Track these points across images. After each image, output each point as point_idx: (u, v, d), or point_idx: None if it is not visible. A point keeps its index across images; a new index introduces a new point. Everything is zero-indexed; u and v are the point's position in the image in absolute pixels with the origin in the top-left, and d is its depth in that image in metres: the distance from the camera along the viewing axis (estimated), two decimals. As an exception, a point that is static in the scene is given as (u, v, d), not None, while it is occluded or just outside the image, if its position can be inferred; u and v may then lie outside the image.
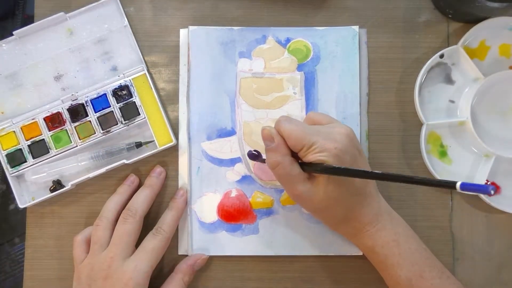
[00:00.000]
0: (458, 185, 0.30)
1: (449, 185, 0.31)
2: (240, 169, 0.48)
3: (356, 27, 0.49)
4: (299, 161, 0.41)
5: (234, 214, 0.48)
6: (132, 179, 0.48)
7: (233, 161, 0.48)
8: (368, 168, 0.43)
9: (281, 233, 0.48)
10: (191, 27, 0.49)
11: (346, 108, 0.49)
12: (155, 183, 0.47)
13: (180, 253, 0.48)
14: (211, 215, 0.48)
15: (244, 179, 0.48)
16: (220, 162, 0.48)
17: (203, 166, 0.48)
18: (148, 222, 0.47)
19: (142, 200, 0.45)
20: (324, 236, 0.47)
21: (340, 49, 0.49)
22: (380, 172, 0.37)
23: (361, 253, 0.47)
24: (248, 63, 0.49)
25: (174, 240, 0.47)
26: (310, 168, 0.40)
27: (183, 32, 0.50)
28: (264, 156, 0.45)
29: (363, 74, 0.49)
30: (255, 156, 0.45)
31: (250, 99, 0.49)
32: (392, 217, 0.43)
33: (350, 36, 0.49)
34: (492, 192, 0.30)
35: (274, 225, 0.48)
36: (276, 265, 0.48)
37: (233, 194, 0.48)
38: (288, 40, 0.50)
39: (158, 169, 0.48)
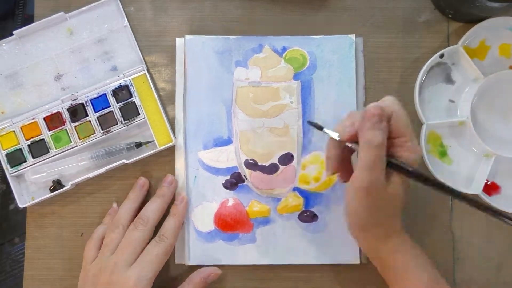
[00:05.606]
0: None
1: None
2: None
3: (352, 36, 0.49)
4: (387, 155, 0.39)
5: (231, 223, 0.48)
6: (142, 182, 0.48)
7: (229, 170, 0.48)
8: None
9: (278, 242, 0.47)
10: (187, 36, 0.49)
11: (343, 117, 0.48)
12: (166, 193, 0.47)
13: (177, 262, 0.47)
14: (208, 224, 0.48)
15: (241, 188, 0.48)
16: (216, 171, 0.48)
17: (199, 175, 0.48)
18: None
19: (153, 210, 0.45)
20: (321, 245, 0.47)
21: (337, 58, 0.49)
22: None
23: (358, 262, 0.47)
24: (245, 72, 0.49)
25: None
26: (396, 167, 0.39)
27: (179, 41, 0.50)
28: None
29: (360, 83, 0.49)
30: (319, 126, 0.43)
31: (246, 108, 0.49)
32: (412, 239, 0.42)
33: (346, 45, 0.49)
34: None
35: (271, 234, 0.48)
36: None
37: (230, 203, 0.48)
38: (284, 49, 0.49)
39: (169, 178, 0.48)
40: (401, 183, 0.39)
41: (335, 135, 0.40)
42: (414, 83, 0.48)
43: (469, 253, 0.48)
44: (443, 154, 0.49)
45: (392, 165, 0.39)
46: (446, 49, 0.48)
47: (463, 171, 0.48)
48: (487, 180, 0.47)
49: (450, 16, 0.50)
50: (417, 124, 0.49)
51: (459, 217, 0.49)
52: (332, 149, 0.41)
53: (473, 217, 0.49)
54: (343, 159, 0.41)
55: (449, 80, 0.49)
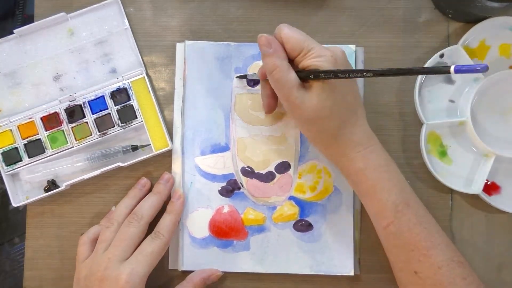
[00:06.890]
0: (452, 69, 0.32)
1: (444, 71, 0.33)
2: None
3: (353, 46, 0.49)
4: (296, 71, 0.41)
5: (225, 230, 0.48)
6: (143, 182, 0.48)
7: (226, 177, 0.48)
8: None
9: (272, 250, 0.47)
10: (187, 42, 0.49)
11: None
12: (163, 190, 0.47)
13: (170, 267, 0.47)
14: (202, 230, 0.48)
15: (237, 195, 0.48)
16: (213, 177, 0.48)
17: (196, 181, 0.48)
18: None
19: (148, 206, 0.45)
20: (315, 255, 0.47)
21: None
22: (376, 69, 0.37)
23: (352, 274, 0.47)
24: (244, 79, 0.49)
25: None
26: (305, 74, 0.40)
27: (179, 45, 0.50)
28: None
29: (359, 85, 0.49)
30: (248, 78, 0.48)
31: (245, 115, 0.49)
32: (381, 145, 0.43)
33: (347, 55, 0.49)
34: (482, 70, 0.31)
35: (265, 242, 0.47)
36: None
37: (225, 210, 0.48)
38: None
39: (166, 176, 0.48)
40: (322, 89, 0.40)
41: (254, 76, 0.47)
42: (414, 83, 0.48)
43: (469, 253, 0.48)
44: (443, 154, 0.49)
45: (305, 77, 0.40)
46: (446, 49, 0.48)
47: (463, 171, 0.48)
48: (487, 180, 0.47)
49: (450, 16, 0.50)
50: (417, 124, 0.49)
51: (459, 217, 0.49)
52: (263, 88, 0.46)
53: (473, 217, 0.49)
54: (274, 95, 0.44)
55: (449, 80, 0.49)
